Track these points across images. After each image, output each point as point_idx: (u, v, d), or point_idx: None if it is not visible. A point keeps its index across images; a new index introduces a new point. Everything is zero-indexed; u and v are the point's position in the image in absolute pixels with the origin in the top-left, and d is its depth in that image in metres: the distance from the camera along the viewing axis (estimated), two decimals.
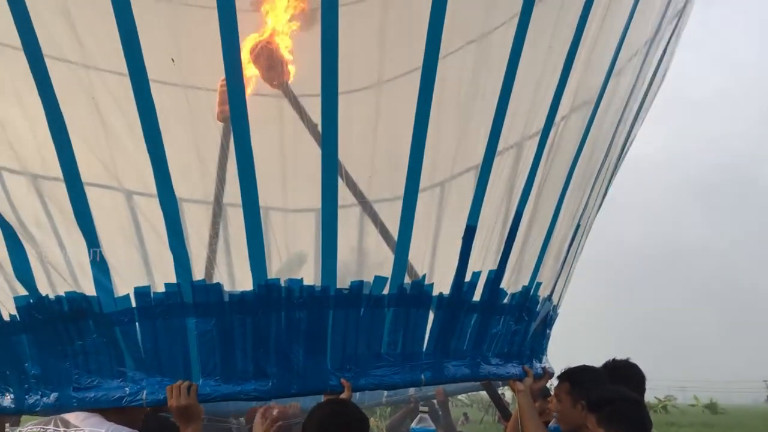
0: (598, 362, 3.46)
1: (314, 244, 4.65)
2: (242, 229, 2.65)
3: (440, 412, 6.27)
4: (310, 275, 3.29)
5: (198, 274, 2.83)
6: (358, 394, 3.50)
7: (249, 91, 3.35)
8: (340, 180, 2.89)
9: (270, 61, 3.24)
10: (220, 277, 2.74)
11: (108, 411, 2.53)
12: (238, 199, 2.65)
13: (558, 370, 3.34)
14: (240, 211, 2.69)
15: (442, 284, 2.89)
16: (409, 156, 2.81)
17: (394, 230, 3.31)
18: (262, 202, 2.65)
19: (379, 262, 3.64)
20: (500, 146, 3.06)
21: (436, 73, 2.77)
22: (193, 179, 3.01)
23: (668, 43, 4.24)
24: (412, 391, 6.17)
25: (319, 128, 2.85)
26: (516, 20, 2.95)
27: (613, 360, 3.36)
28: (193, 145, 3.02)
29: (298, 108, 3.17)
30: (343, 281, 2.74)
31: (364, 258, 3.73)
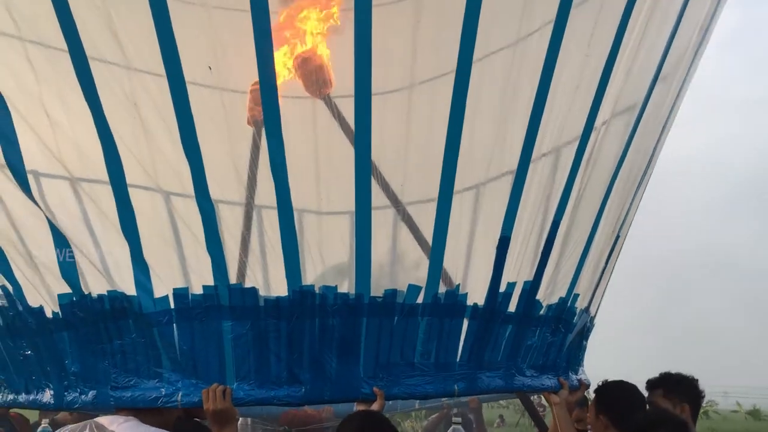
0: (640, 369, 3.42)
1: (348, 248, 4.68)
2: (276, 231, 2.68)
3: (473, 419, 6.25)
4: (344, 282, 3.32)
5: (232, 277, 2.87)
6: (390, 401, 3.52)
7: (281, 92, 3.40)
8: (373, 183, 2.90)
9: (316, 75, 3.25)
10: (254, 281, 2.75)
11: (142, 414, 2.57)
12: (272, 202, 2.68)
13: (603, 377, 3.31)
14: (273, 213, 2.72)
15: (476, 294, 2.87)
16: (443, 159, 2.80)
17: (425, 233, 3.33)
18: (296, 205, 2.67)
19: (413, 266, 3.63)
20: (536, 153, 3.02)
21: (470, 76, 2.76)
22: (228, 181, 3.04)
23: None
24: (444, 399, 6.16)
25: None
26: (552, 25, 2.92)
27: (669, 372, 3.31)
28: (228, 147, 3.05)
29: (340, 119, 3.18)
30: (376, 285, 2.75)
31: (396, 261, 3.73)
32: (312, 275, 2.85)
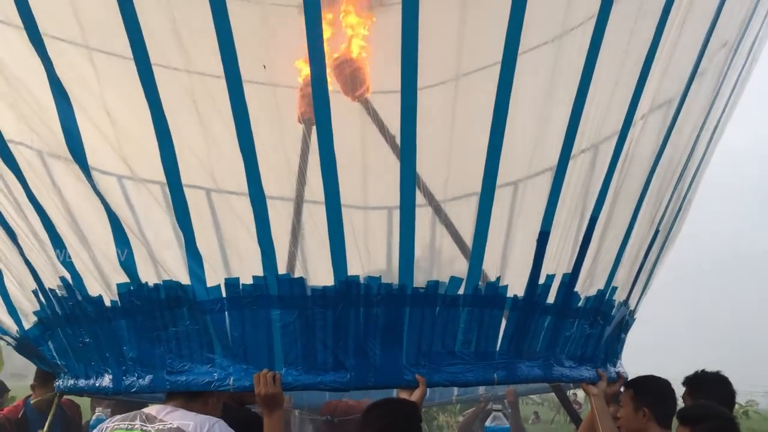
0: (679, 367, 3.47)
1: (386, 242, 4.79)
2: (318, 225, 2.78)
3: (510, 412, 6.29)
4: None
5: (281, 268, 2.99)
6: (428, 391, 3.62)
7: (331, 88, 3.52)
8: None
9: (353, 78, 3.36)
10: (302, 271, 2.87)
11: (189, 403, 2.67)
12: (319, 197, 2.78)
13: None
14: (316, 208, 2.83)
15: (515, 286, 2.94)
16: (486, 154, 2.84)
17: (464, 228, 3.41)
18: (342, 200, 2.77)
19: (450, 260, 3.71)
20: (576, 148, 3.06)
21: (515, 69, 2.79)
22: (278, 177, 3.16)
23: (756, 39, 4.12)
24: (482, 390, 6.21)
25: (397, 139, 2.96)
26: (594, 20, 2.96)
27: (704, 371, 3.37)
28: (280, 143, 3.17)
29: (377, 121, 3.28)
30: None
31: (435, 255, 3.82)
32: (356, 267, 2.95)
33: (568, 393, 5.05)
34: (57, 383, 3.52)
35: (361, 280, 2.73)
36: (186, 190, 2.77)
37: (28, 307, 3.36)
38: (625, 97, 3.20)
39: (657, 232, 3.40)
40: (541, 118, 3.32)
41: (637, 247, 3.31)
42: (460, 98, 3.96)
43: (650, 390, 3.15)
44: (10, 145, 2.96)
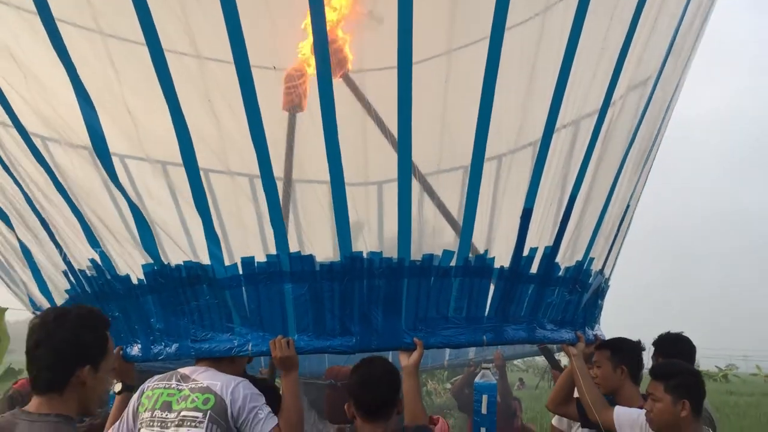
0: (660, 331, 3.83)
1: (376, 214, 5.08)
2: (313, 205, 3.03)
3: (497, 376, 6.63)
4: (374, 244, 3.68)
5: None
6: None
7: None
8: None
9: (334, 57, 3.58)
10: (310, 249, 3.16)
11: (217, 364, 3.01)
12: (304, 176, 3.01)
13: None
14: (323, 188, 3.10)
15: (502, 258, 3.25)
16: (476, 127, 3.06)
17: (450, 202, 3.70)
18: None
19: (435, 234, 3.98)
20: (558, 124, 3.29)
21: (502, 44, 2.98)
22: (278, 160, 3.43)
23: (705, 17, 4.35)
24: (471, 355, 6.57)
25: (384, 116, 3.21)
26: None
27: (668, 332, 3.74)
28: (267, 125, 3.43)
29: (360, 97, 3.53)
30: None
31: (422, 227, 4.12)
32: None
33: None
34: None
35: (365, 255, 3.04)
36: (203, 174, 3.06)
37: (60, 285, 3.63)
38: (607, 74, 3.41)
39: (628, 206, 3.73)
40: (525, 93, 3.52)
41: (611, 221, 3.64)
42: (452, 73, 4.21)
43: (626, 350, 3.49)
44: (36, 140, 3.22)
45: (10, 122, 3.16)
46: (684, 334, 3.68)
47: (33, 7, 2.90)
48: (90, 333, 2.19)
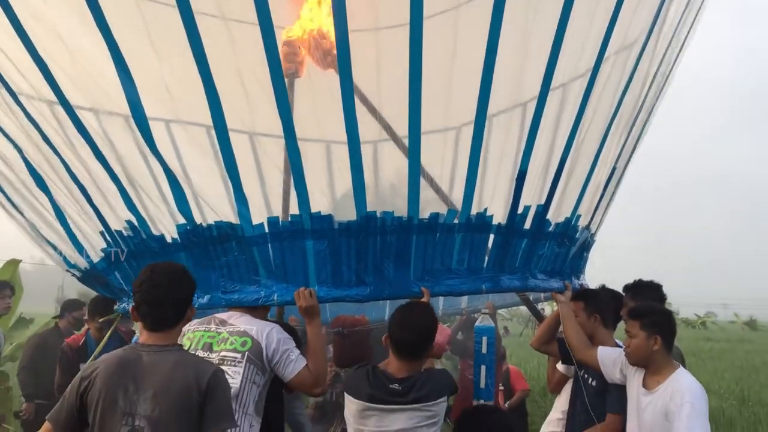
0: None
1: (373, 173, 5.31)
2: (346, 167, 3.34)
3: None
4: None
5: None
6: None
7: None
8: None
9: (323, 53, 3.86)
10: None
11: (249, 311, 3.36)
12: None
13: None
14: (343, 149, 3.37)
15: (498, 215, 3.61)
16: (480, 85, 3.27)
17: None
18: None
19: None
20: (551, 86, 3.49)
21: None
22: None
23: None
24: (463, 304, 6.99)
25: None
26: None
27: (639, 279, 4.10)
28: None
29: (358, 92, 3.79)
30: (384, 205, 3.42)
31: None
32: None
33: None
34: (119, 306, 4.18)
35: (378, 215, 3.37)
36: (233, 140, 3.34)
37: (96, 245, 3.96)
38: (597, 36, 3.61)
39: (614, 169, 4.09)
40: (521, 54, 3.70)
41: (597, 181, 4.00)
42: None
43: (599, 300, 3.85)
44: (78, 112, 3.50)
45: (56, 99, 3.42)
46: (654, 281, 4.03)
47: None
48: (192, 283, 2.75)
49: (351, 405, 3.08)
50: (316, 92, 3.88)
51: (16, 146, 3.95)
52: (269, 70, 3.14)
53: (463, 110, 3.88)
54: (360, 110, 3.67)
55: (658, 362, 3.26)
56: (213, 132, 3.32)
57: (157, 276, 2.63)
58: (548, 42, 3.48)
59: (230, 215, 3.46)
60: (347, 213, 3.40)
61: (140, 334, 2.69)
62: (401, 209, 3.42)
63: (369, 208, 3.32)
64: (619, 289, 4.06)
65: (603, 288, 4.00)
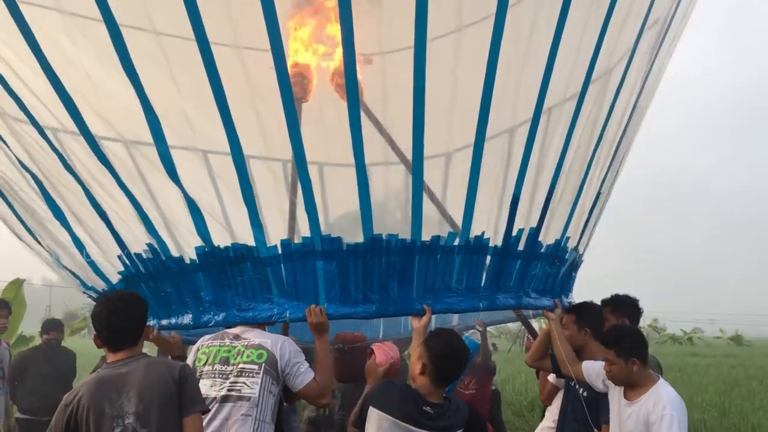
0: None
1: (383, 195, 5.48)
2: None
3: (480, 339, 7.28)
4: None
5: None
6: (407, 322, 4.52)
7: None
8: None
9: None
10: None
11: (260, 325, 3.60)
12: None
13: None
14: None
15: (495, 238, 3.89)
16: (479, 110, 3.53)
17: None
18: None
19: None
20: (542, 112, 3.75)
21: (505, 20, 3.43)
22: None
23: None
24: (455, 321, 7.23)
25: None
26: None
27: (617, 294, 4.27)
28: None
29: (372, 117, 4.06)
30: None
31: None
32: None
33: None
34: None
35: (384, 237, 3.62)
36: (250, 168, 3.61)
37: (111, 268, 4.19)
38: (586, 54, 3.83)
39: (599, 193, 4.40)
40: (511, 79, 3.82)
41: (584, 205, 4.29)
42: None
43: (589, 314, 4.04)
44: (100, 142, 3.75)
45: (77, 130, 3.67)
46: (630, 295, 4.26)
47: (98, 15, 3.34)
48: (143, 305, 3.10)
49: (381, 421, 3.09)
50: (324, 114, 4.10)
51: (34, 177, 4.19)
52: (281, 97, 3.40)
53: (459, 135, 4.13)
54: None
55: (640, 379, 3.49)
56: (230, 159, 3.58)
57: (110, 305, 3.00)
58: (538, 67, 3.72)
59: (246, 237, 3.70)
60: (342, 234, 3.65)
61: (107, 356, 3.02)
62: (392, 229, 3.66)
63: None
64: None
65: (592, 302, 4.22)
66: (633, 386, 3.52)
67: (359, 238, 3.62)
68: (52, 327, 6.96)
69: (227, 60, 3.68)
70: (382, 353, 3.96)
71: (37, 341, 8.50)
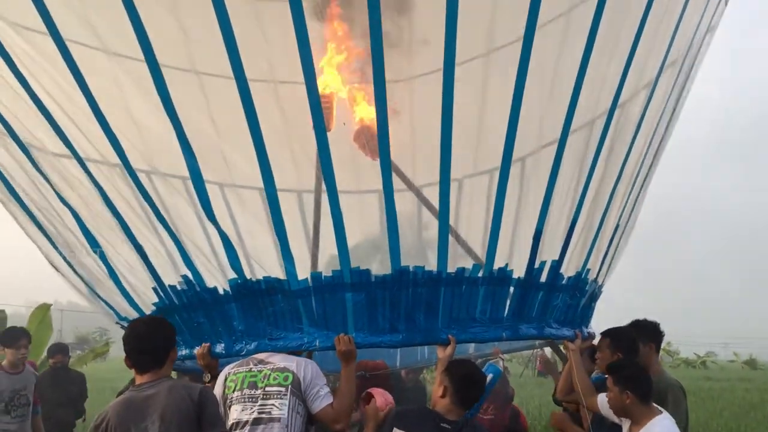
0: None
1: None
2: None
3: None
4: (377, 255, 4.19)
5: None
6: (425, 351, 4.65)
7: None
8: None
9: (369, 142, 4.24)
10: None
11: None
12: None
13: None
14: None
15: (518, 270, 4.01)
16: (505, 136, 3.69)
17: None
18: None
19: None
20: (564, 151, 3.86)
21: (532, 45, 3.53)
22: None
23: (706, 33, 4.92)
24: (471, 350, 7.30)
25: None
26: None
27: (644, 319, 4.34)
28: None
29: (399, 173, 4.18)
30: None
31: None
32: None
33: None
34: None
35: (411, 269, 3.74)
36: (281, 200, 3.74)
37: (147, 299, 4.34)
38: (613, 84, 3.93)
39: (618, 226, 4.52)
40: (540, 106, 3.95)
41: (604, 238, 4.41)
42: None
43: (622, 338, 4.06)
44: (140, 175, 3.92)
45: (120, 162, 3.84)
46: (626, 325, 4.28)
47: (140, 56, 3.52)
48: (169, 329, 3.32)
49: None
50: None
51: (72, 211, 4.35)
52: (314, 130, 3.55)
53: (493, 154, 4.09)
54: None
55: (634, 413, 3.56)
56: (264, 194, 3.75)
57: (137, 329, 3.26)
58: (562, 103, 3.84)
59: (275, 269, 3.84)
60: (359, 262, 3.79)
61: (135, 378, 3.24)
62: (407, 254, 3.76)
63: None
64: None
65: (625, 326, 4.23)
66: (633, 421, 3.59)
67: (375, 264, 3.76)
68: (58, 351, 7.24)
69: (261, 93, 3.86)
70: (382, 398, 4.07)
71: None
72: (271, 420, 3.43)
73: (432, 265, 3.83)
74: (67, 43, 3.65)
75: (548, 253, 4.07)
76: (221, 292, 3.95)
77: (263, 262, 3.91)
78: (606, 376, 3.87)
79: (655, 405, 3.62)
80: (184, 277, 4.03)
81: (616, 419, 3.78)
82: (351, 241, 4.50)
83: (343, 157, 4.08)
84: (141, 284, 4.33)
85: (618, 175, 4.30)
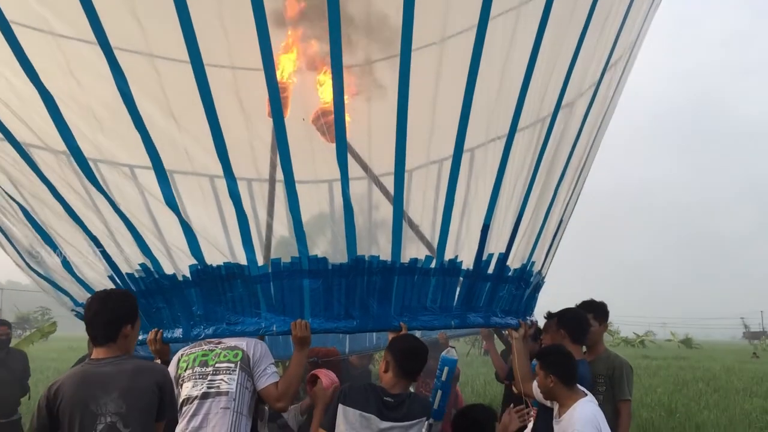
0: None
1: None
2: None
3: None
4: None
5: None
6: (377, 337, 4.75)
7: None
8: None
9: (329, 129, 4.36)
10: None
11: None
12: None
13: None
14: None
15: (467, 261, 4.21)
16: (458, 124, 3.85)
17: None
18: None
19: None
20: (514, 142, 4.06)
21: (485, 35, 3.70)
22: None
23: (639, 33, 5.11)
24: (419, 333, 7.53)
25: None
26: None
27: (591, 299, 4.70)
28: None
29: (357, 157, 4.31)
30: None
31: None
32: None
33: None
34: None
35: (366, 258, 3.89)
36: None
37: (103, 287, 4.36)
38: (560, 78, 4.10)
39: (561, 220, 4.77)
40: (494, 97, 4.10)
41: (549, 232, 4.65)
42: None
43: (567, 317, 4.37)
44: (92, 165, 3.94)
45: (66, 149, 3.82)
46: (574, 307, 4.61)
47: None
48: (123, 304, 3.35)
49: (349, 415, 3.51)
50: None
51: (20, 206, 4.35)
52: (273, 119, 3.66)
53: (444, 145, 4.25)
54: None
55: (559, 396, 3.82)
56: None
57: (93, 303, 3.31)
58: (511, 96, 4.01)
59: (238, 256, 3.94)
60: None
61: (93, 351, 3.30)
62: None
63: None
64: None
65: (575, 308, 4.50)
66: (559, 403, 3.85)
67: (325, 238, 3.90)
68: (2, 323, 7.22)
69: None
70: (327, 378, 4.25)
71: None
72: (219, 394, 3.58)
73: (382, 245, 3.99)
74: (12, 24, 3.58)
75: (495, 245, 4.27)
76: (180, 277, 4.03)
77: (221, 248, 4.00)
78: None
79: (580, 387, 3.88)
80: (142, 265, 4.07)
81: (547, 403, 4.01)
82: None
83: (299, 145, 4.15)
84: (98, 272, 4.36)
85: (563, 170, 4.52)
